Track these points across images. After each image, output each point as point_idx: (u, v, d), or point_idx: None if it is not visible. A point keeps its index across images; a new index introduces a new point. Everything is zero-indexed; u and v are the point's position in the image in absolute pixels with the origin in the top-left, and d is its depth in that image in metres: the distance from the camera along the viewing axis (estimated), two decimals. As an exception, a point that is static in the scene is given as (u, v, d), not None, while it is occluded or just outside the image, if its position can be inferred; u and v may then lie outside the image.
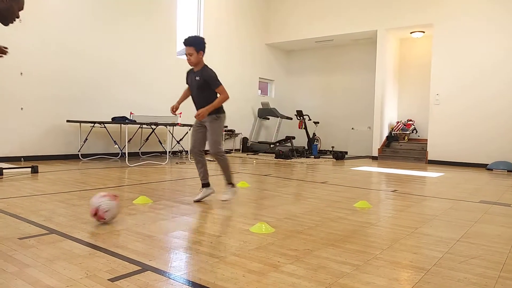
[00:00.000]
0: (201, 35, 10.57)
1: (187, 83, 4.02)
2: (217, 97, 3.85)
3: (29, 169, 5.82)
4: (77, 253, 2.26)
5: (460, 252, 2.49)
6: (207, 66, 3.84)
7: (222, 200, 3.95)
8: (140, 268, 2.06)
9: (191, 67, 3.92)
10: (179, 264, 2.14)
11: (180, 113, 9.54)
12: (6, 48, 2.55)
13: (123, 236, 2.64)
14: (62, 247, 2.37)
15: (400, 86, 11.67)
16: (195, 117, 3.78)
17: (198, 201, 3.93)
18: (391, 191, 5.05)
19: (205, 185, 3.99)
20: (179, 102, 4.03)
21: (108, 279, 1.89)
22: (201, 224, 3.04)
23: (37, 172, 5.72)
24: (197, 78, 3.80)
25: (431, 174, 7.32)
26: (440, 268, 2.18)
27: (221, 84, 3.81)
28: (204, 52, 3.79)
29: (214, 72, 3.81)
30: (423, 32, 10.48)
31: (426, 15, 9.77)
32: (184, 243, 2.52)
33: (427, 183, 5.94)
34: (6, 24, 2.45)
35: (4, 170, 5.56)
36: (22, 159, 7.10)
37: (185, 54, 3.76)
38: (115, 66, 8.52)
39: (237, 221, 3.16)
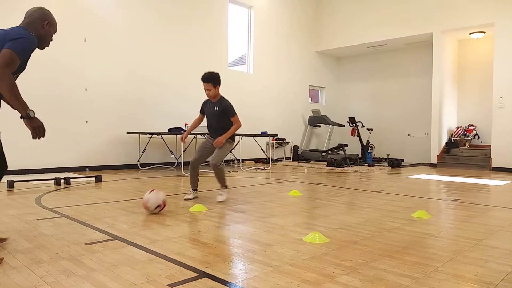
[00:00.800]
0: (251, 46, 10.76)
1: (201, 112, 4.67)
2: (231, 123, 4.50)
3: (93, 179, 6.19)
4: (138, 259, 2.37)
5: (531, 266, 2.31)
6: (223, 97, 4.51)
7: (219, 201, 4.43)
8: (197, 274, 2.12)
9: (207, 98, 4.65)
10: (234, 272, 2.18)
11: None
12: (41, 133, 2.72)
13: (180, 243, 2.73)
14: (124, 252, 2.50)
15: (460, 90, 11.10)
16: (215, 144, 4.40)
17: (188, 199, 4.54)
18: (452, 200, 4.80)
19: (195, 190, 4.67)
20: (189, 132, 4.67)
21: (167, 285, 1.97)
22: (255, 232, 3.07)
23: (101, 181, 6.07)
24: (216, 108, 4.45)
25: (496, 182, 6.86)
26: (510, 283, 2.04)
27: (236, 113, 4.47)
28: (220, 85, 4.46)
29: (230, 103, 4.47)
30: (484, 32, 9.93)
31: (486, 14, 9.26)
32: (239, 251, 2.56)
33: (491, 192, 5.58)
34: (43, 47, 2.68)
35: (71, 180, 5.97)
36: (87, 169, 7.58)
37: (204, 89, 4.42)
38: (170, 80, 8.88)
39: (290, 230, 3.16)
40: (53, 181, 5.97)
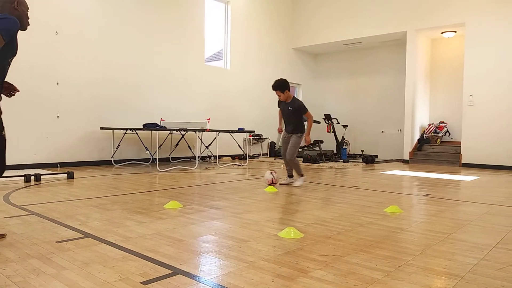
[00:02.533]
0: (228, 41, 10.71)
1: (279, 106, 5.58)
2: (302, 118, 5.42)
3: (65, 175, 6.04)
4: (111, 257, 2.33)
5: (497, 259, 2.40)
6: (295, 97, 5.39)
7: (296, 186, 5.39)
8: (171, 271, 2.10)
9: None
10: (209, 268, 2.17)
11: (209, 119, 9.68)
12: (16, 89, 2.76)
13: (155, 240, 2.70)
14: (96, 250, 2.45)
15: (432, 88, 11.39)
16: (306, 143, 5.42)
17: (284, 184, 5.57)
18: (423, 195, 4.92)
19: (290, 176, 5.65)
20: (280, 123, 5.69)
21: (140, 282, 1.95)
22: (230, 228, 3.06)
23: (73, 178, 5.93)
24: (290, 108, 5.34)
25: (465, 177, 7.09)
26: (476, 275, 2.12)
27: (307, 109, 5.32)
28: (289, 89, 5.31)
29: (302, 102, 5.34)
30: (455, 31, 10.20)
31: (457, 14, 9.51)
32: (214, 248, 2.55)
33: (461, 187, 5.76)
34: (25, 28, 2.66)
35: (41, 176, 5.80)
36: (58, 165, 7.38)
37: (276, 94, 5.36)
38: (145, 75, 8.74)
39: (266, 225, 3.17)
40: (22, 177, 5.79)
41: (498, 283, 2.00)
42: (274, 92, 5.54)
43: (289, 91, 5.34)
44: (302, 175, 5.46)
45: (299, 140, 5.37)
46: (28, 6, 2.71)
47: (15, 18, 2.45)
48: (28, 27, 2.69)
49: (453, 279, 2.06)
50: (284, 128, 5.55)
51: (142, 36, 8.64)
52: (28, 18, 2.68)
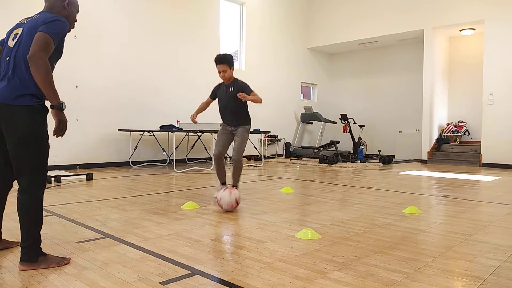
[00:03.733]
0: (244, 43, 10.73)
1: (211, 96, 4.52)
2: (246, 106, 4.43)
3: (85, 177, 6.14)
4: (130, 257, 2.36)
5: (520, 261, 2.35)
6: (237, 78, 4.38)
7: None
8: (190, 272, 2.12)
9: (220, 82, 4.48)
10: (226, 269, 2.18)
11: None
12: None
13: (173, 240, 2.73)
14: (116, 251, 2.49)
15: (450, 86, 11.19)
16: (240, 95, 4.08)
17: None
18: (443, 196, 4.84)
19: (223, 183, 4.48)
20: (198, 112, 4.48)
21: (159, 282, 1.97)
22: (247, 229, 3.07)
23: (92, 179, 6.03)
24: (231, 89, 4.28)
25: (486, 178, 6.94)
26: (498, 277, 2.07)
27: (253, 90, 4.33)
28: (233, 67, 4.30)
29: (246, 83, 4.38)
30: (474, 29, 10.01)
31: (475, 12, 9.33)
32: (231, 248, 2.56)
33: (481, 188, 5.65)
34: (70, 30, 2.51)
35: (62, 178, 5.91)
36: (77, 167, 7.52)
37: (219, 71, 4.25)
38: (161, 77, 8.83)
39: (283, 227, 3.17)
40: (43, 179, 5.90)
41: (521, 286, 1.96)
42: (218, 71, 4.25)
43: (233, 69, 4.31)
44: (237, 187, 4.20)
45: (247, 135, 4.34)
46: (79, 8, 2.56)
47: (65, 19, 2.32)
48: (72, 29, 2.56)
49: (475, 281, 2.02)
50: (223, 121, 4.44)
51: (158, 39, 8.74)
52: (75, 21, 2.52)
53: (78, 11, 2.55)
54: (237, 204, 3.76)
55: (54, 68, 2.43)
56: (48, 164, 2.29)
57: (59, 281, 1.98)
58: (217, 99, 4.48)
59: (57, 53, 2.34)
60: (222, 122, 4.48)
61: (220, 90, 4.44)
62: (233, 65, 4.29)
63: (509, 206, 4.16)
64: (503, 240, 2.82)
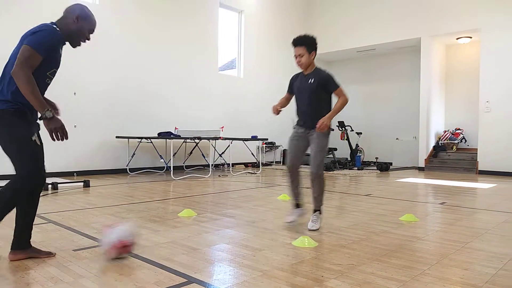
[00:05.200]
0: (241, 49, 10.79)
1: (288, 91, 3.67)
2: (329, 102, 3.48)
3: (82, 184, 6.13)
4: (127, 265, 2.36)
5: (515, 269, 2.36)
6: (320, 68, 3.51)
7: (312, 230, 3.32)
8: (186, 280, 2.12)
9: (297, 73, 3.64)
10: (223, 277, 2.18)
11: (222, 127, 9.73)
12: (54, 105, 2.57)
13: (169, 248, 2.72)
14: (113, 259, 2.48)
15: (447, 94, 11.25)
16: (317, 129, 3.28)
17: (291, 222, 3.54)
18: (439, 203, 4.85)
19: (299, 205, 3.64)
20: (279, 106, 3.56)
21: (156, 291, 1.96)
22: (244, 237, 3.07)
23: (89, 186, 6.02)
24: (311, 81, 3.41)
25: (482, 185, 6.96)
26: (494, 285, 2.08)
27: (340, 85, 3.43)
28: (316, 53, 3.45)
29: (331, 73, 3.47)
30: (470, 37, 10.09)
31: (472, 20, 9.42)
32: (228, 256, 2.56)
33: (478, 195, 5.66)
34: (74, 46, 2.54)
35: (58, 185, 5.90)
36: (75, 174, 7.50)
37: (295, 55, 3.43)
38: (159, 84, 8.85)
39: (280, 234, 3.17)
40: (40, 186, 5.89)
41: (517, 294, 1.96)
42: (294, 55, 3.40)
43: (315, 54, 3.43)
44: (320, 211, 3.45)
45: (326, 141, 3.38)
46: (94, 27, 2.54)
47: (56, 30, 2.34)
48: (79, 46, 2.53)
49: (470, 289, 2.02)
50: (296, 120, 3.56)
51: (157, 46, 8.77)
52: (86, 39, 2.51)
53: (91, 29, 2.53)
54: (124, 246, 2.43)
55: (49, 78, 2.45)
56: (46, 171, 2.32)
57: (55, 290, 1.97)
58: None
59: (49, 63, 2.36)
60: (295, 123, 3.58)
61: (297, 81, 3.54)
62: (314, 50, 3.41)
63: (506, 214, 4.18)
64: (499, 247, 2.83)
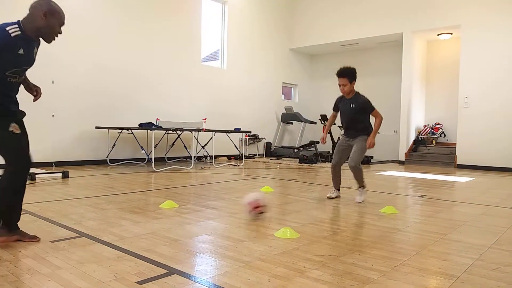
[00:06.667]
0: (225, 41, 10.70)
1: (334, 109, 4.53)
2: (368, 119, 4.32)
3: (60, 174, 6.00)
4: (106, 256, 2.32)
5: (492, 259, 2.41)
6: (359, 93, 4.32)
7: (359, 202, 4.29)
8: (167, 271, 2.09)
9: (341, 95, 4.44)
10: (205, 268, 2.16)
11: (205, 119, 9.66)
12: (38, 89, 2.75)
13: (150, 240, 2.69)
14: (92, 250, 2.43)
15: (428, 89, 11.43)
16: (368, 147, 4.29)
17: (332, 198, 4.55)
18: (419, 196, 4.94)
19: (338, 189, 4.64)
20: (327, 131, 4.65)
21: (136, 282, 1.94)
22: (226, 228, 3.06)
23: (68, 177, 5.90)
24: (352, 105, 4.24)
25: (461, 179, 7.12)
26: (471, 275, 2.12)
27: (375, 107, 4.29)
28: (355, 81, 4.26)
29: (367, 98, 4.30)
30: (451, 34, 10.25)
31: (453, 16, 9.55)
32: (210, 247, 2.54)
33: (456, 188, 5.79)
34: (49, 41, 2.51)
35: (36, 175, 5.76)
36: (53, 164, 7.34)
37: (339, 84, 4.25)
38: (141, 74, 8.71)
39: (262, 226, 3.17)
40: (17, 177, 5.74)
41: (493, 283, 2.01)
42: (339, 83, 4.24)
43: (355, 83, 4.31)
44: (364, 186, 4.41)
45: (365, 144, 4.29)
46: (63, 20, 2.53)
47: (2, 31, 2.30)
48: (53, 41, 2.52)
49: (448, 279, 2.06)
50: (343, 132, 4.53)
51: (138, 35, 8.61)
52: (59, 33, 2.51)
53: (61, 23, 2.50)
54: (257, 207, 3.37)
55: (12, 77, 2.45)
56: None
57: (31, 281, 1.92)
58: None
59: (9, 61, 2.35)
60: (342, 132, 4.53)
61: (341, 103, 4.41)
62: (354, 80, 4.23)
63: (483, 206, 4.28)
64: (477, 239, 2.89)
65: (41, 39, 2.52)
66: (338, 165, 4.52)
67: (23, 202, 2.64)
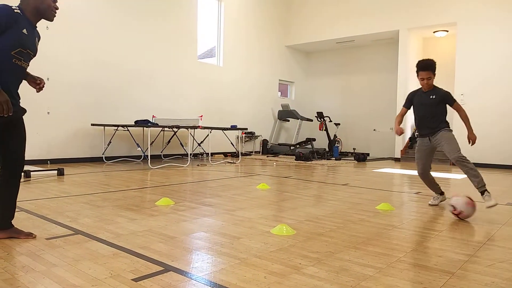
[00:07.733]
0: (221, 38, 10.67)
1: (405, 106, 4.26)
2: (446, 113, 4.11)
3: (56, 172, 5.98)
4: (102, 254, 2.31)
5: (486, 255, 2.42)
6: (435, 85, 4.13)
7: (489, 206, 3.63)
8: (163, 268, 2.09)
9: (414, 90, 4.25)
10: (201, 265, 2.16)
11: (201, 116, 9.64)
12: (41, 81, 2.65)
13: (146, 237, 2.68)
14: (87, 247, 2.42)
15: (423, 87, 11.44)
16: (471, 144, 4.14)
17: (434, 205, 4.21)
18: (415, 193, 4.95)
19: (441, 193, 4.29)
20: (400, 124, 4.18)
21: (131, 279, 1.93)
22: (222, 225, 3.05)
23: (63, 174, 5.87)
24: (432, 97, 4.03)
25: (456, 175, 7.15)
26: (466, 271, 2.13)
27: (456, 100, 4.08)
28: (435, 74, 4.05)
29: (446, 91, 4.09)
30: (447, 31, 10.27)
31: (449, 14, 9.57)
32: (206, 244, 2.54)
33: (451, 185, 5.81)
34: (51, 18, 2.54)
35: (31, 173, 5.73)
36: (48, 162, 7.31)
37: (421, 78, 4.00)
38: (137, 72, 8.68)
39: (258, 222, 3.17)
40: (12, 174, 5.70)
41: (488, 279, 2.02)
42: (420, 75, 3.98)
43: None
44: (485, 189, 3.71)
45: (452, 135, 4.02)
46: None
47: (4, 5, 2.32)
48: (54, 18, 2.55)
49: (444, 275, 2.07)
50: (417, 131, 4.21)
51: (134, 32, 8.57)
52: (55, 8, 2.52)
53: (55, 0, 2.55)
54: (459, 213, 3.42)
55: (17, 59, 2.41)
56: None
57: (26, 279, 1.91)
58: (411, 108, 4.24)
59: (8, 39, 2.33)
60: (418, 134, 4.20)
61: (416, 97, 4.16)
62: (435, 72, 4.04)
63: (478, 203, 4.29)
64: (472, 235, 2.90)
65: (40, 34, 2.52)
66: (426, 172, 4.12)
67: (17, 200, 2.63)
